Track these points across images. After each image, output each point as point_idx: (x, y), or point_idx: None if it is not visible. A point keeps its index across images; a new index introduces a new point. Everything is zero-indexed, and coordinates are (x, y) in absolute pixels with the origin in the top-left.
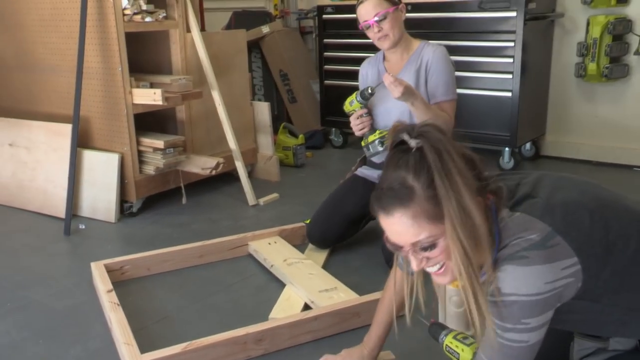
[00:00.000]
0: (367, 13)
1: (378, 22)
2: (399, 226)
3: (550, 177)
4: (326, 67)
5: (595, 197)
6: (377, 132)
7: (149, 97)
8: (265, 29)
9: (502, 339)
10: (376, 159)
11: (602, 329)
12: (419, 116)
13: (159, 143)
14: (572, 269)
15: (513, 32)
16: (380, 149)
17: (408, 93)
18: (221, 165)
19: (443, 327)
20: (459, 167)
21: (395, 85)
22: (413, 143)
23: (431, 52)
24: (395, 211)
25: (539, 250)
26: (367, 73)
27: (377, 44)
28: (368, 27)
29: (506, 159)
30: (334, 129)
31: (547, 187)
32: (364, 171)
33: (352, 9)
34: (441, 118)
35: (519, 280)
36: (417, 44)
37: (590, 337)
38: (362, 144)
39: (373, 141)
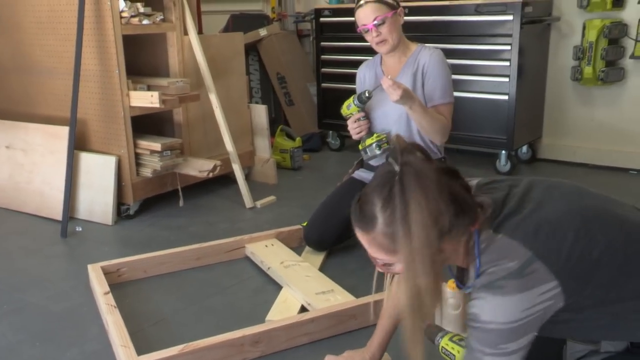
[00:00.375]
0: (365, 17)
1: (376, 26)
2: (362, 240)
3: (540, 186)
4: (323, 70)
5: (582, 209)
6: (375, 135)
7: (146, 99)
8: (262, 32)
9: None
10: (373, 162)
11: (591, 334)
12: (417, 119)
13: (156, 145)
14: (550, 293)
15: (510, 35)
16: (378, 152)
17: (406, 96)
18: (218, 168)
19: (439, 329)
20: (424, 217)
21: (394, 89)
22: (396, 167)
23: (428, 55)
24: (357, 229)
25: (515, 280)
26: (364, 76)
27: (375, 47)
28: (366, 31)
29: (503, 162)
30: (331, 131)
31: (534, 201)
32: (361, 174)
33: (349, 12)
34: (439, 121)
35: (496, 309)
36: (414, 47)
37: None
38: (360, 147)
39: (370, 144)
